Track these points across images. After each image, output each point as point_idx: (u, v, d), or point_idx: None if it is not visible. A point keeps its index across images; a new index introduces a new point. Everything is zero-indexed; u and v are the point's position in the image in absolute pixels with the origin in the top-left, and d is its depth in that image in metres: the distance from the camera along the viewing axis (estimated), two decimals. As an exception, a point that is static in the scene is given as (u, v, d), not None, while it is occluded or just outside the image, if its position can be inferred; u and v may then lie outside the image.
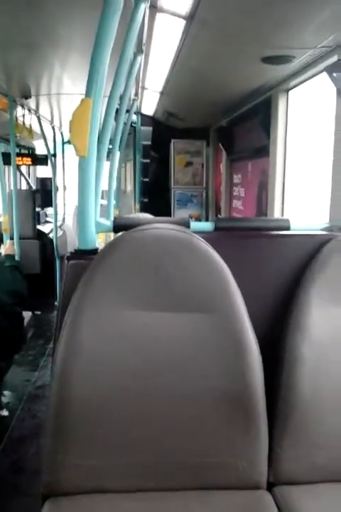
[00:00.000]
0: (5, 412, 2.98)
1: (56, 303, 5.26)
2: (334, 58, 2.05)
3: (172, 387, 1.11)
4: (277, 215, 3.07)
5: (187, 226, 1.32)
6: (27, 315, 3.08)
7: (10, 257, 2.98)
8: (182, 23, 2.01)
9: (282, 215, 3.06)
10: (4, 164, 3.84)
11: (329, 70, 2.05)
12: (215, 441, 1.13)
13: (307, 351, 1.15)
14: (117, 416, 1.10)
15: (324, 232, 1.44)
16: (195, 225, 1.37)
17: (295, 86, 2.79)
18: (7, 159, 4.21)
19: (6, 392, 3.26)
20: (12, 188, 4.23)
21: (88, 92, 1.16)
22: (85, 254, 1.22)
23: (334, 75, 2.01)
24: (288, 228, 1.42)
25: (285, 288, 1.28)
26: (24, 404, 3.10)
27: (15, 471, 2.41)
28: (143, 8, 1.78)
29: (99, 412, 1.09)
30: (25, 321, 3.00)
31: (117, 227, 1.34)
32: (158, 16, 2.02)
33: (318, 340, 1.16)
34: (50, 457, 1.11)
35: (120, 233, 1.20)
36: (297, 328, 1.17)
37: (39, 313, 4.68)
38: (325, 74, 2.14)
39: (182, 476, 1.14)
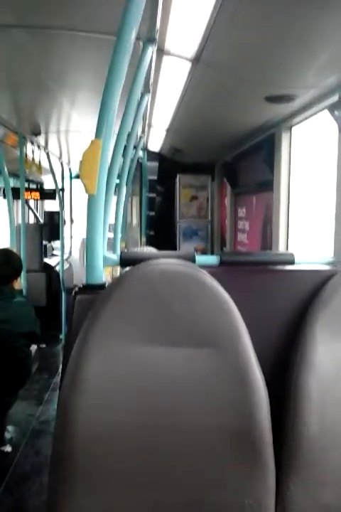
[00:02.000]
0: (8, 448, 2.95)
1: (61, 336, 5.25)
2: (336, 97, 2.10)
3: (178, 423, 1.10)
4: (281, 248, 3.09)
5: (193, 260, 1.33)
6: (32, 348, 3.08)
7: (19, 292, 3.00)
8: (188, 65, 2.08)
9: (286, 248, 3.08)
10: (13, 199, 3.92)
11: (331, 108, 2.10)
12: (221, 478, 1.12)
13: (313, 388, 1.15)
14: (123, 453, 1.09)
15: (328, 267, 1.45)
16: (200, 258, 1.39)
17: (298, 123, 2.85)
18: (16, 194, 4.29)
19: (9, 427, 3.23)
20: (20, 221, 4.30)
21: (98, 134, 1.20)
22: (93, 289, 1.24)
23: (336, 113, 2.07)
24: (292, 262, 1.43)
25: (290, 323, 1.29)
26: (28, 439, 3.06)
27: (18, 509, 2.37)
28: (151, 51, 1.85)
29: (104, 449, 1.08)
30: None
31: (124, 261, 1.36)
32: (165, 58, 2.09)
33: (325, 376, 1.16)
34: (54, 496, 1.10)
35: (127, 268, 1.22)
36: (303, 364, 1.16)
37: (44, 346, 4.67)
38: (327, 112, 2.19)
39: None
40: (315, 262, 1.51)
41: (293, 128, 2.98)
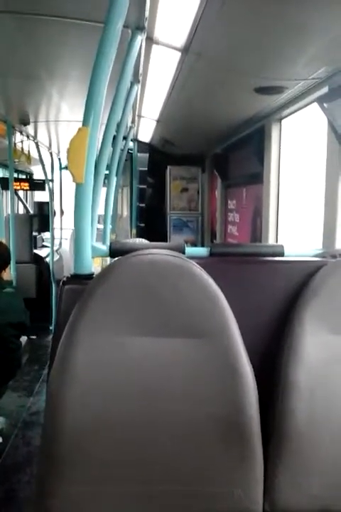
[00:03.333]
0: (-1, 439, 2.95)
1: (51, 328, 5.24)
2: (325, 89, 2.11)
3: (166, 413, 1.11)
4: (271, 240, 3.10)
5: (183, 251, 1.33)
6: (22, 340, 3.07)
7: (8, 282, 2.98)
8: (178, 54, 2.07)
9: (276, 240, 3.10)
10: (2, 189, 3.89)
11: (321, 100, 2.11)
12: (210, 468, 1.13)
13: (302, 377, 1.16)
14: (110, 443, 1.10)
15: (317, 259, 1.46)
16: (190, 250, 1.39)
17: (287, 115, 2.86)
18: (5, 184, 4.26)
19: (0, 419, 3.23)
20: (10, 212, 4.26)
21: (85, 121, 1.19)
22: (81, 279, 1.24)
23: (325, 105, 2.07)
24: (282, 254, 1.44)
25: (279, 314, 1.29)
26: (18, 431, 3.06)
27: (8, 499, 2.37)
28: (140, 40, 1.84)
29: (93, 439, 1.09)
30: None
31: (113, 252, 1.36)
32: (154, 47, 2.08)
33: (313, 366, 1.17)
34: (42, 485, 1.10)
35: (116, 258, 1.22)
36: (291, 354, 1.17)
37: (34, 337, 4.66)
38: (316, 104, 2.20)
39: (177, 504, 1.13)
40: (304, 253, 1.51)
41: (282, 120, 2.98)
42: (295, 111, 2.71)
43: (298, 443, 1.15)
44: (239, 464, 1.12)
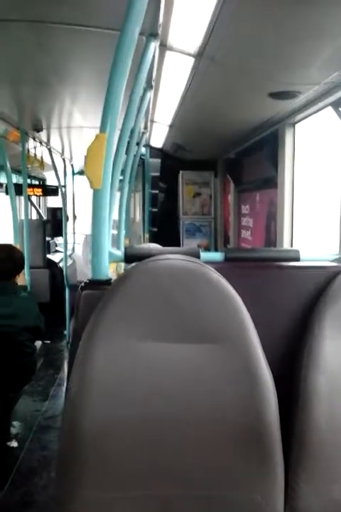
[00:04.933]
0: (14, 443, 2.95)
1: (65, 332, 5.26)
2: (340, 94, 2.09)
3: (185, 418, 1.10)
4: (286, 245, 3.09)
5: (198, 257, 1.33)
6: (37, 344, 3.09)
7: (23, 287, 3.00)
8: (191, 60, 2.07)
9: (291, 245, 3.08)
10: (16, 195, 3.92)
11: (335, 104, 2.10)
12: (229, 474, 1.12)
13: (322, 384, 1.14)
14: (130, 447, 1.09)
15: (334, 264, 1.44)
16: (205, 255, 1.38)
17: (301, 119, 2.85)
18: (19, 190, 4.29)
19: (15, 423, 3.24)
20: (23, 218, 4.30)
21: (103, 127, 1.20)
22: (99, 285, 1.24)
23: (340, 109, 2.06)
24: (297, 259, 1.43)
25: (296, 319, 1.28)
26: (34, 435, 3.07)
27: (25, 504, 2.38)
28: (154, 46, 1.85)
29: (112, 443, 1.09)
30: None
31: (128, 257, 1.36)
32: (168, 53, 2.09)
33: (333, 372, 1.15)
34: (62, 490, 1.10)
35: (132, 264, 1.22)
36: (311, 360, 1.16)
37: (48, 342, 4.69)
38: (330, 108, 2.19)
39: (196, 509, 1.12)
40: (321, 258, 1.50)
41: (296, 124, 2.97)
42: (310, 115, 2.70)
43: (319, 449, 1.14)
44: (259, 470, 1.11)
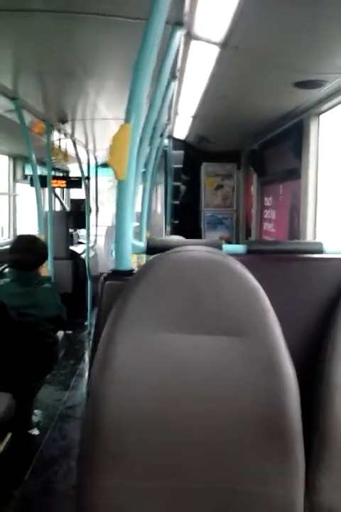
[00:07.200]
0: (36, 431, 3.01)
1: (87, 323, 5.32)
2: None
3: (206, 411, 1.10)
4: (309, 238, 3.04)
5: (220, 248, 1.32)
6: (59, 334, 3.13)
7: (47, 278, 3.04)
8: (216, 49, 2.05)
9: (314, 238, 3.03)
10: (40, 187, 3.96)
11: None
12: (250, 468, 1.11)
13: None
14: (150, 438, 1.10)
15: None
16: (227, 247, 1.37)
17: (326, 110, 2.79)
18: (43, 182, 4.34)
19: (37, 412, 3.30)
20: (47, 209, 4.34)
21: (127, 118, 1.19)
22: (121, 275, 1.24)
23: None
24: (321, 251, 1.40)
25: (320, 312, 1.26)
26: (55, 424, 3.12)
27: (45, 492, 2.41)
28: (179, 35, 1.83)
29: (133, 434, 1.09)
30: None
31: (150, 249, 1.36)
32: (193, 42, 2.07)
33: None
34: (83, 478, 1.11)
35: (154, 255, 1.22)
36: (334, 354, 1.14)
37: (70, 332, 4.74)
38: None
39: (217, 501, 1.12)
40: None
41: (321, 115, 2.92)
42: (335, 105, 2.64)
43: (340, 445, 1.12)
44: (280, 464, 1.10)
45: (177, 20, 1.75)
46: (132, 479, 1.10)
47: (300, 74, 2.24)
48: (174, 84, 2.53)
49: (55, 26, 1.93)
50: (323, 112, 2.87)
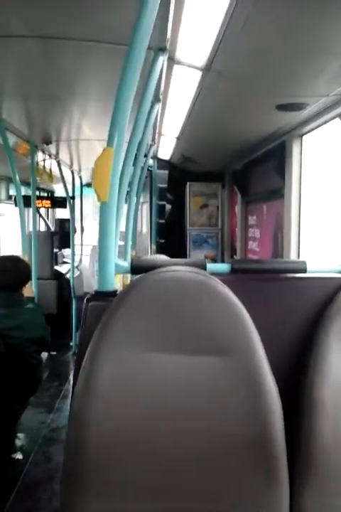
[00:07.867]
0: (19, 455, 2.94)
1: (71, 343, 5.26)
2: (347, 105, 2.10)
3: (189, 430, 1.10)
4: (293, 256, 3.08)
5: (204, 268, 1.33)
6: (43, 356, 3.09)
7: (30, 299, 3.01)
8: (199, 74, 2.09)
9: (298, 256, 3.07)
10: (24, 207, 3.94)
11: (343, 116, 2.10)
12: (234, 487, 1.11)
13: (328, 397, 1.13)
14: (135, 460, 1.09)
15: None
16: (211, 266, 1.38)
17: (309, 131, 2.85)
18: (27, 202, 4.33)
19: (20, 435, 3.23)
20: (31, 229, 4.32)
21: (110, 142, 1.21)
22: (105, 296, 1.24)
23: (348, 121, 2.06)
24: (304, 270, 1.42)
25: (303, 331, 1.28)
26: (39, 447, 3.05)
27: (29, 518, 2.36)
28: (162, 60, 1.87)
29: (117, 456, 1.08)
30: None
31: (135, 269, 1.36)
32: (176, 67, 2.11)
33: (339, 384, 1.14)
34: (67, 502, 1.10)
35: (138, 275, 1.22)
36: (317, 373, 1.15)
37: (55, 353, 4.68)
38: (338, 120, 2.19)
39: None
40: (328, 269, 1.49)
41: (303, 136, 2.98)
42: (317, 127, 2.70)
43: (324, 462, 1.13)
44: (264, 483, 1.10)
45: (160, 46, 1.78)
46: (115, 501, 1.09)
47: (282, 97, 2.29)
48: (158, 107, 2.56)
49: (38, 50, 1.95)
50: (305, 134, 2.93)
